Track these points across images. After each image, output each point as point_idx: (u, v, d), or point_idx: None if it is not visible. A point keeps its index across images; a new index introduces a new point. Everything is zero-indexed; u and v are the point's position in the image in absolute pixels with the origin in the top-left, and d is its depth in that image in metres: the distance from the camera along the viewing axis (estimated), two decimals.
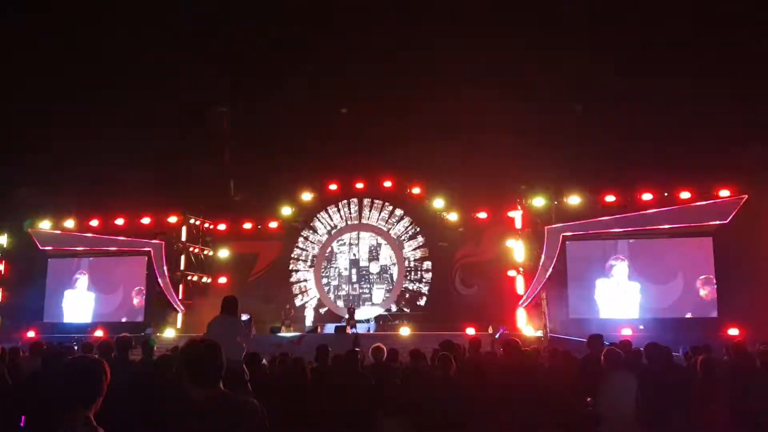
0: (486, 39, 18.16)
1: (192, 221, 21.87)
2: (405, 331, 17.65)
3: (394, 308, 20.94)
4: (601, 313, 17.80)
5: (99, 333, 18.18)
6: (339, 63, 19.76)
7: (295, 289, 22.10)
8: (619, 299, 17.77)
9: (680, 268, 17.61)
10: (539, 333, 16.85)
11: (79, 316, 21.11)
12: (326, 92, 20.13)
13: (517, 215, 19.02)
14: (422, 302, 21.05)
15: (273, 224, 22.14)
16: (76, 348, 9.78)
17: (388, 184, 21.47)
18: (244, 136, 22.83)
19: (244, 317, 7.70)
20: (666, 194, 17.74)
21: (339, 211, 22.24)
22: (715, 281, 17.30)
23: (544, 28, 18.18)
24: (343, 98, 20.55)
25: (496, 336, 15.21)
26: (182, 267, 21.24)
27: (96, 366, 2.94)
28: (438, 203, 20.78)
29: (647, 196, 17.80)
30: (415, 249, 21.58)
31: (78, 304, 21.30)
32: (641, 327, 16.75)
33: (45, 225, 21.74)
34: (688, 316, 17.25)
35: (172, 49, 19.77)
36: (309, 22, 19.69)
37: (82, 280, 21.55)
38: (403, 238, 21.71)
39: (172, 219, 21.33)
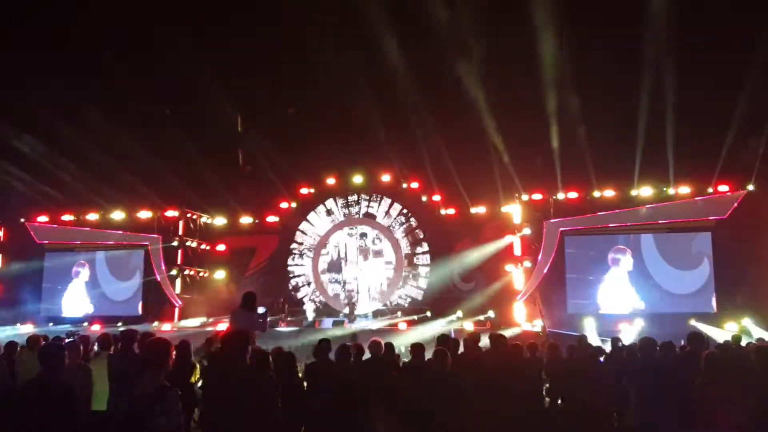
0: (484, 36, 18.08)
1: (189, 215, 21.86)
2: (403, 325, 17.65)
3: (392, 303, 20.93)
4: (601, 307, 17.82)
5: (96, 327, 18.20)
6: (338, 60, 19.65)
7: (293, 283, 22.07)
8: (627, 290, 17.80)
9: (685, 258, 17.65)
10: (537, 328, 16.87)
11: (80, 309, 21.15)
12: (326, 88, 20.02)
13: (515, 210, 19.00)
14: (420, 296, 21.01)
15: (271, 218, 22.14)
16: (71, 340, 9.72)
17: (386, 178, 21.42)
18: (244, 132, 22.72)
19: (261, 310, 8.31)
20: (665, 189, 17.73)
21: (337, 204, 22.19)
22: (714, 276, 17.31)
23: (543, 25, 18.08)
24: (342, 94, 20.46)
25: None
26: (179, 261, 21.22)
27: (165, 343, 4.37)
28: (436, 197, 20.74)
29: (646, 191, 17.78)
30: (413, 243, 21.53)
31: (81, 296, 21.36)
32: (638, 322, 16.78)
33: (42, 219, 21.71)
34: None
35: (175, 46, 19.66)
36: (309, 20, 19.59)
37: (84, 272, 21.57)
38: (401, 232, 21.66)
39: (170, 213, 21.31)
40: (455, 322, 17.87)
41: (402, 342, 12.71)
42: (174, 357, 4.81)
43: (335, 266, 21.88)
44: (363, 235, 21.87)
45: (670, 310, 17.29)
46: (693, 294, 17.44)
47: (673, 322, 16.23)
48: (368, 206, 21.95)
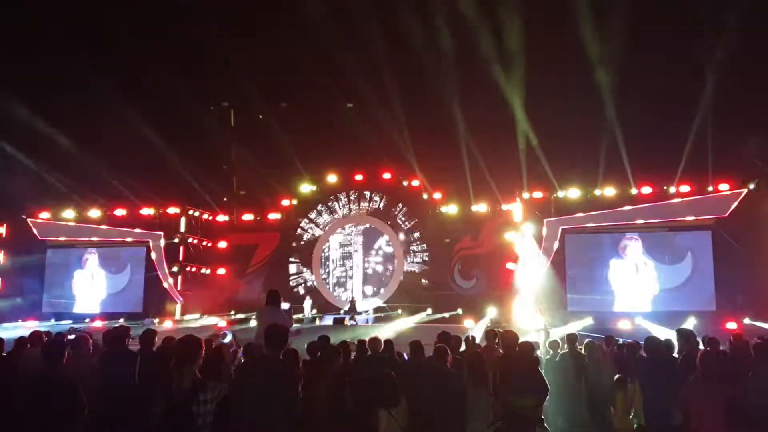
0: (484, 35, 18.08)
1: (191, 212, 21.89)
2: (403, 323, 17.68)
3: (392, 300, 20.95)
4: (605, 300, 17.80)
5: (98, 323, 18.25)
6: (339, 58, 19.68)
7: (294, 280, 22.12)
8: (633, 280, 17.81)
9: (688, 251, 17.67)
10: (537, 326, 16.86)
11: (90, 302, 21.22)
12: (326, 87, 20.04)
13: (516, 208, 18.99)
14: (421, 294, 21.02)
15: (272, 216, 22.17)
16: (74, 337, 9.76)
17: (387, 176, 21.43)
18: (243, 128, 22.81)
19: (285, 306, 8.53)
20: (665, 188, 17.72)
21: (338, 202, 22.22)
22: (714, 275, 17.30)
23: (543, 25, 18.09)
24: (343, 92, 20.48)
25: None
26: (181, 258, 21.26)
27: (197, 340, 4.72)
28: (437, 195, 20.74)
29: (646, 190, 17.78)
30: (414, 241, 21.55)
31: (90, 287, 21.42)
32: (638, 320, 16.78)
33: (44, 215, 21.73)
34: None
35: (175, 45, 19.71)
36: (309, 18, 19.61)
37: (92, 258, 21.63)
38: (402, 230, 21.68)
39: (172, 210, 21.35)
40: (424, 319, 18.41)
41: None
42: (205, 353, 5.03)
43: (336, 263, 21.87)
44: (364, 233, 21.90)
45: (670, 308, 17.29)
46: (692, 291, 17.42)
47: (673, 320, 16.25)
48: (369, 204, 21.99)
